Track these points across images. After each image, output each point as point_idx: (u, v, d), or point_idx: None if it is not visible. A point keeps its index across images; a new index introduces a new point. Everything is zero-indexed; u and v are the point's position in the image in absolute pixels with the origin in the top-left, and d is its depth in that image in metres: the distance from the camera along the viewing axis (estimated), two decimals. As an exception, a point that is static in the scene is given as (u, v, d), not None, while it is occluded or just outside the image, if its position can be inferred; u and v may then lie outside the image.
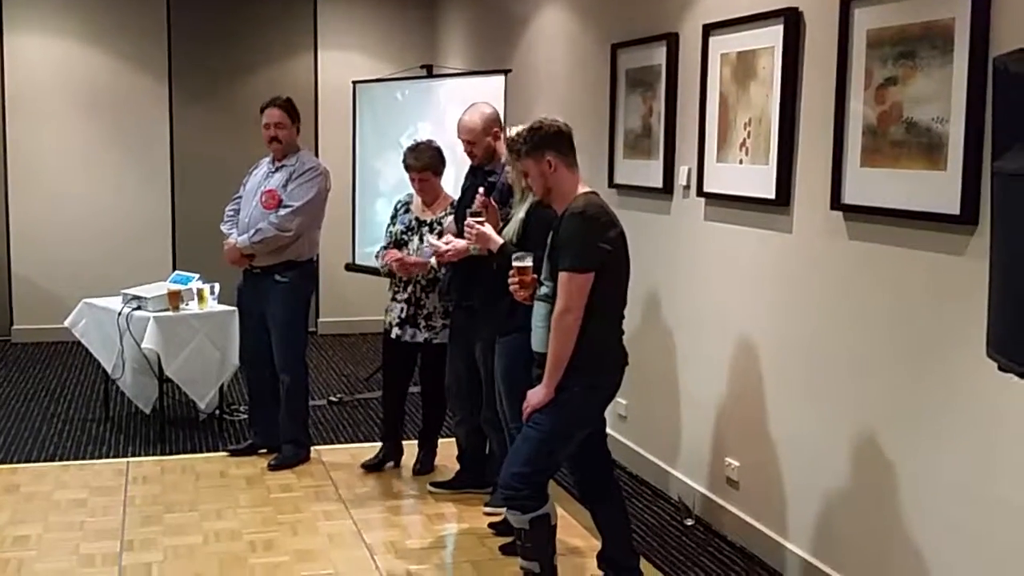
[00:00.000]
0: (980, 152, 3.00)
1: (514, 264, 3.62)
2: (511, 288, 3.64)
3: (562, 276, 3.36)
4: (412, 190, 5.09)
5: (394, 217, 5.13)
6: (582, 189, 3.53)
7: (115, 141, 8.37)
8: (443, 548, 4.36)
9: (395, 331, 5.03)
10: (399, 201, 5.19)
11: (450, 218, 4.85)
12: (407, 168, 5.01)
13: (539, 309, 3.52)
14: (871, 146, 3.46)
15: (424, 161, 4.96)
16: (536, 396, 3.45)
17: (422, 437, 5.31)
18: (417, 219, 5.04)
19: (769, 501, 4.12)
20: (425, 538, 4.46)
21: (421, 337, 5.00)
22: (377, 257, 5.15)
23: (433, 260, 4.71)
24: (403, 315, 5.01)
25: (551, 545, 3.55)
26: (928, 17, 3.19)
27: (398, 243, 5.04)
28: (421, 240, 4.96)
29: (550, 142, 3.50)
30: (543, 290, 3.52)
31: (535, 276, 3.58)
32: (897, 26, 3.32)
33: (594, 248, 3.37)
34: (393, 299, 5.08)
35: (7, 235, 8.26)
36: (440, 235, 4.67)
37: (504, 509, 4.38)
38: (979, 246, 3.00)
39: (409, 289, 5.00)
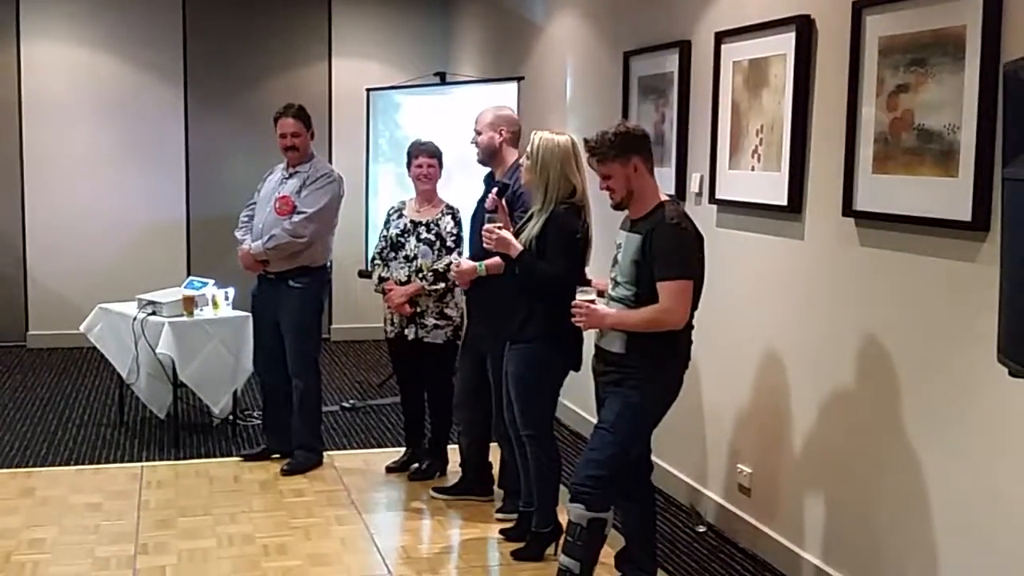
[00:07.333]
0: (992, 159, 3.01)
1: (579, 298, 3.59)
2: (575, 320, 3.59)
3: (670, 285, 3.42)
4: (405, 199, 5.20)
5: (387, 224, 5.18)
6: (661, 196, 3.57)
7: (131, 147, 8.42)
8: (455, 553, 4.37)
9: (391, 329, 5.07)
10: (391, 208, 5.24)
11: (446, 218, 4.99)
12: (418, 153, 5.06)
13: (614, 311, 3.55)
14: (883, 153, 3.47)
15: (432, 149, 5.07)
16: (606, 317, 3.51)
17: (429, 442, 5.32)
18: (412, 221, 5.07)
19: (782, 508, 4.13)
20: (437, 543, 4.48)
21: (412, 334, 5.02)
22: (374, 276, 5.16)
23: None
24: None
25: (596, 552, 3.57)
26: (939, 24, 3.19)
27: (394, 246, 5.07)
28: (418, 241, 5.00)
29: (637, 145, 3.53)
30: (622, 292, 3.53)
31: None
32: (909, 33, 3.33)
33: (695, 258, 3.51)
34: None
35: (23, 240, 8.31)
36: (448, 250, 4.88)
37: (515, 515, 4.43)
38: (990, 252, 3.00)
39: None
